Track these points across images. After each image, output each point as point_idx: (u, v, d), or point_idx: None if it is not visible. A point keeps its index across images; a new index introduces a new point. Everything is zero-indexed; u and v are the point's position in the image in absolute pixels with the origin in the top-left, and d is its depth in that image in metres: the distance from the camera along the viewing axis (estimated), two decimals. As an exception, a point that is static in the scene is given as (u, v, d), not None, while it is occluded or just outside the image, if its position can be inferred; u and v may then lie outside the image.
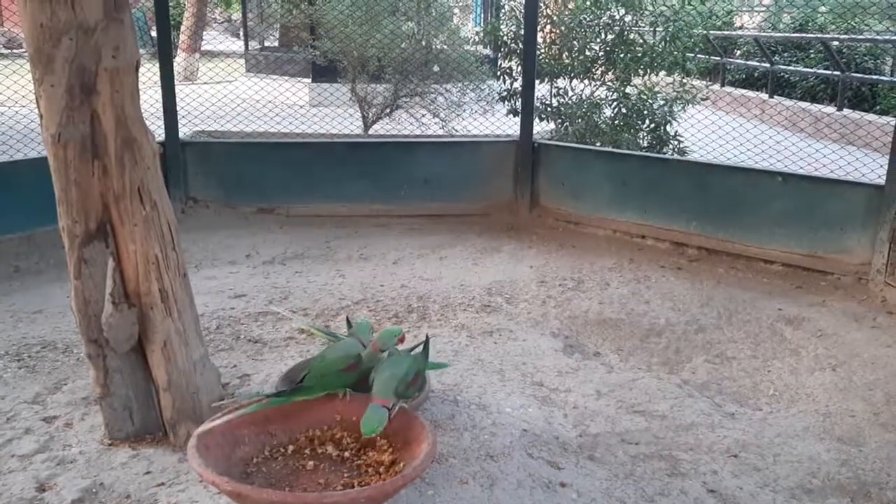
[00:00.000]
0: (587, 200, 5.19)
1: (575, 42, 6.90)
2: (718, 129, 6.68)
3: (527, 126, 5.35)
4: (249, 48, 15.33)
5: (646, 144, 6.94)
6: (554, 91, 7.03)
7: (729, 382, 3.32)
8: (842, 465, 2.64)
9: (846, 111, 10.78)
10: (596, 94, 6.95)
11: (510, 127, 6.99)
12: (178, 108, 5.22)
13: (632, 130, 6.82)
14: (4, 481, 2.49)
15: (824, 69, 11.96)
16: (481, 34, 8.21)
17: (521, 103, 5.41)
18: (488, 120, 7.86)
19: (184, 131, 5.73)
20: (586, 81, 6.99)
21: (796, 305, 4.04)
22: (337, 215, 5.36)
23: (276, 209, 5.37)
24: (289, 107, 8.95)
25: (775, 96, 12.67)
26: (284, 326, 3.74)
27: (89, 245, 2.56)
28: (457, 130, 8.29)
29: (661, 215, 4.90)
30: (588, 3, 6.85)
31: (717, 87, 13.75)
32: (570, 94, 7.01)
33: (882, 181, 4.20)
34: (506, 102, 7.20)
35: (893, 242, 4.03)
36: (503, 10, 8.88)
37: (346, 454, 2.40)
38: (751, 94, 13.36)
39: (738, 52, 15.45)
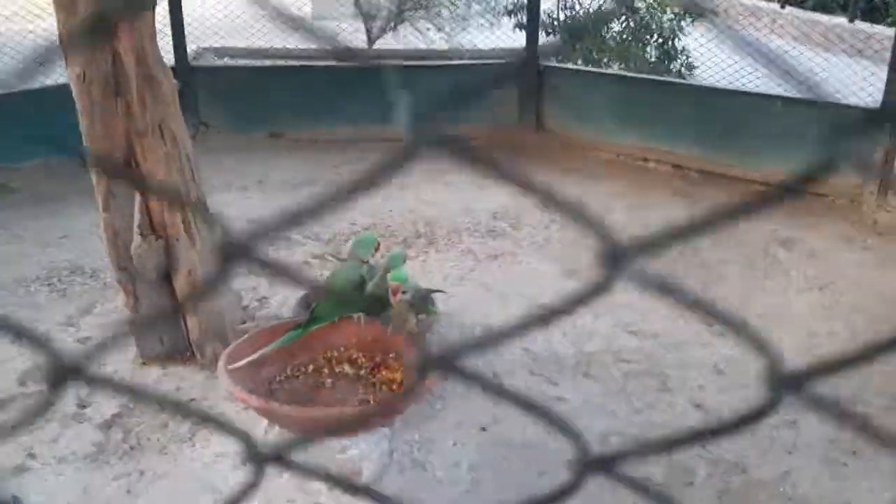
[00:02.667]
0: (592, 124, 5.28)
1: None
2: (727, 42, 6.64)
3: (532, 49, 5.39)
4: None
5: (654, 59, 6.94)
6: (561, 4, 7.00)
7: (720, 302, 3.49)
8: (819, 385, 2.84)
9: (858, 23, 10.62)
10: (604, 6, 6.91)
11: (516, 41, 6.99)
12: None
13: (640, 45, 6.81)
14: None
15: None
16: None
17: (527, 26, 5.44)
18: (494, 34, 7.83)
19: (190, 48, 5.75)
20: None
21: (791, 227, 4.19)
22: (344, 139, 5.46)
23: (284, 133, 5.48)
24: (292, 19, 8.87)
25: (787, 6, 12.47)
26: (298, 251, 3.93)
27: (116, 179, 2.72)
28: (462, 45, 8.25)
29: (663, 138, 5.00)
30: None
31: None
32: (578, 7, 6.96)
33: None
34: (511, 16, 7.16)
35: (886, 164, 4.15)
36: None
37: (362, 373, 2.61)
38: (763, 4, 13.13)
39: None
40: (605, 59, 6.83)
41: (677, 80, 5.39)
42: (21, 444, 2.47)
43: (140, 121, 2.68)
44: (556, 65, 5.63)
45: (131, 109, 2.66)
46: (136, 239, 2.72)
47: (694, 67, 6.98)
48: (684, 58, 6.91)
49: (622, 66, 6.77)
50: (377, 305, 2.71)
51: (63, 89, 2.76)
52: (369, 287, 2.74)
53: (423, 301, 2.76)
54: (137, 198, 2.69)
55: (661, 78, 5.47)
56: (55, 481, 2.33)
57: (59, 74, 3.71)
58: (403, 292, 2.63)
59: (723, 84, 5.34)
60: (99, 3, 2.53)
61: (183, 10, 5.26)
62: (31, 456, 2.43)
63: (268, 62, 6.33)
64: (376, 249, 2.74)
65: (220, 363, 2.38)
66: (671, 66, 6.85)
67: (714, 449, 2.49)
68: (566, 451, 2.20)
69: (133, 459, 2.42)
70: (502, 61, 6.01)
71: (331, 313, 2.65)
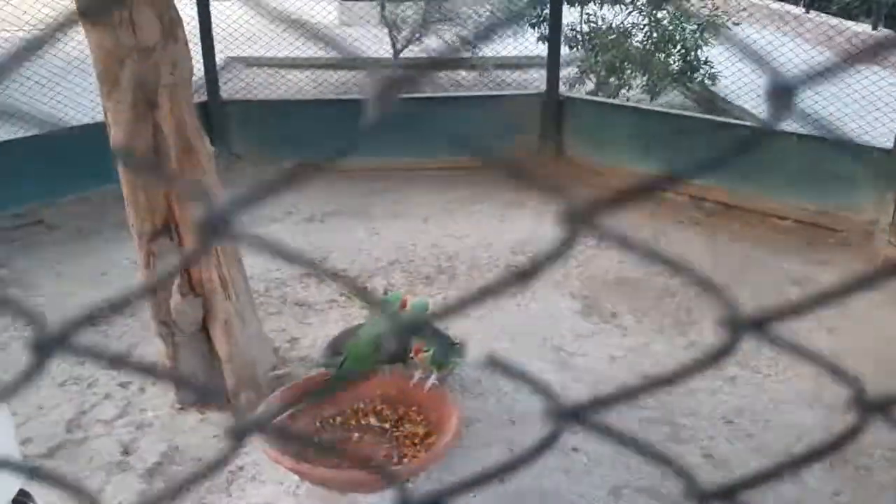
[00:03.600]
0: (611, 153, 5.39)
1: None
2: (752, 46, 6.63)
3: (553, 79, 5.51)
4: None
5: (676, 69, 6.99)
6: (584, 18, 7.08)
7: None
8: (825, 432, 2.97)
9: (882, 29, 10.58)
10: (627, 20, 6.98)
11: (541, 50, 6.98)
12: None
13: (662, 56, 6.88)
14: (94, 445, 2.91)
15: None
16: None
17: (548, 57, 5.56)
18: (520, 42, 7.89)
19: (218, 58, 5.90)
20: (617, 7, 6.99)
21: (803, 264, 4.29)
22: (369, 168, 5.61)
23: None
24: (317, 27, 9.05)
25: (811, 11, 12.42)
26: (326, 289, 4.09)
27: (156, 240, 2.90)
28: (486, 54, 8.31)
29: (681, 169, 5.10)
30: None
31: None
32: (601, 21, 7.03)
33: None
34: (535, 28, 7.22)
35: (898, 203, 4.23)
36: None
37: (386, 426, 2.77)
38: (788, 6, 13.08)
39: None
40: (629, 71, 6.93)
41: (695, 114, 5.48)
42: (65, 495, 2.65)
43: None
44: (577, 96, 5.75)
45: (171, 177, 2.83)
46: (176, 297, 2.90)
47: (716, 78, 7.05)
48: (707, 68, 6.98)
49: (644, 76, 6.87)
50: (399, 357, 2.87)
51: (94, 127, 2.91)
52: (390, 335, 2.90)
53: (443, 355, 2.92)
54: (177, 260, 2.87)
55: (680, 112, 5.57)
56: (104, 532, 2.52)
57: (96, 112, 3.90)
58: (425, 351, 2.79)
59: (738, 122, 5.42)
60: (140, 74, 2.72)
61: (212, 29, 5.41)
62: (81, 505, 2.61)
63: (297, 96, 6.50)
64: (402, 306, 2.89)
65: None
66: (694, 77, 6.93)
67: None
68: (580, 501, 2.38)
69: (174, 509, 2.60)
70: (525, 93, 6.13)
71: (357, 366, 2.81)
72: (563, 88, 5.88)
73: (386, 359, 2.87)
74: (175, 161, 2.82)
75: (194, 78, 2.98)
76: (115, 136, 2.77)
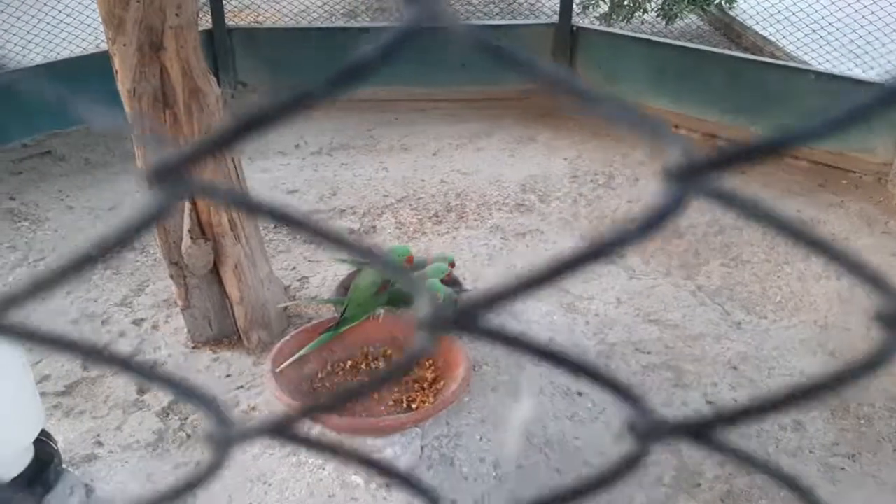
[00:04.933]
0: (624, 86, 5.30)
1: None
2: None
3: (566, 9, 5.38)
4: None
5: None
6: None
7: (740, 288, 3.63)
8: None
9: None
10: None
11: None
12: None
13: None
14: (110, 384, 2.98)
15: None
16: None
17: (561, -15, 5.41)
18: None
19: None
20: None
21: (815, 206, 4.26)
22: (377, 99, 5.54)
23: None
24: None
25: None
26: (335, 226, 4.10)
27: (166, 184, 2.89)
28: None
29: (694, 105, 5.03)
30: None
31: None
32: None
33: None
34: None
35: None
36: None
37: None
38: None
39: None
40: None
41: (711, 49, 5.34)
42: (90, 432, 2.74)
43: (187, 129, 2.83)
44: (591, 27, 5.61)
45: (178, 120, 2.81)
46: (186, 240, 2.91)
47: (734, 0, 6.87)
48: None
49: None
50: (402, 302, 2.90)
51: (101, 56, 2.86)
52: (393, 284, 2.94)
53: (452, 304, 2.94)
54: (187, 204, 2.87)
55: (695, 45, 5.43)
56: (122, 469, 2.60)
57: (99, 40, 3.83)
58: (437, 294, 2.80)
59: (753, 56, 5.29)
60: (146, 16, 2.66)
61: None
62: (99, 444, 2.70)
63: (304, 18, 6.36)
64: (408, 261, 2.91)
65: (267, 367, 2.60)
66: (709, 2, 6.74)
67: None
68: (587, 448, 2.45)
69: (190, 448, 2.68)
70: (538, 22, 5.98)
71: (357, 314, 2.84)
72: (576, 10, 5.74)
73: (386, 301, 2.89)
74: (182, 104, 2.79)
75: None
76: (122, 79, 2.73)
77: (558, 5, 5.51)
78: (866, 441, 2.73)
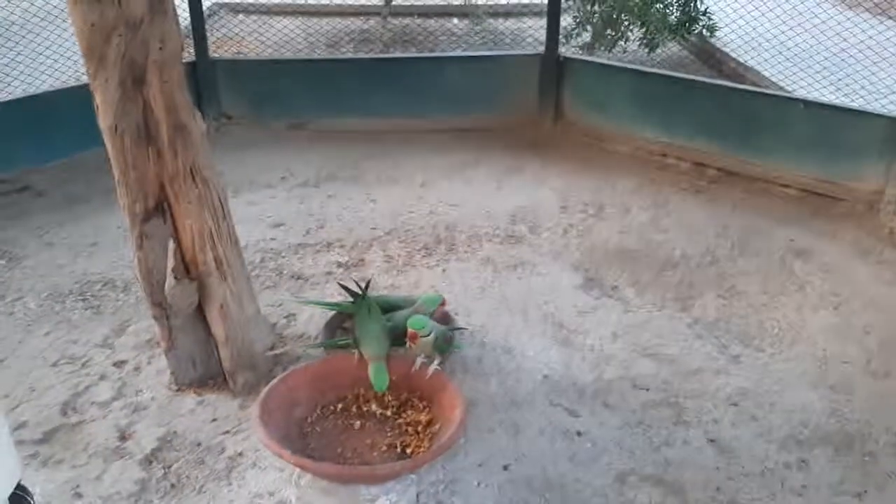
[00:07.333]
0: (611, 116, 5.28)
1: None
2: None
3: (552, 40, 5.36)
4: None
5: (675, 20, 6.80)
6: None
7: (737, 320, 3.57)
8: (830, 416, 2.94)
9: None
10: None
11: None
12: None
13: (660, 7, 6.70)
14: (90, 430, 2.86)
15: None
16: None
17: (548, 17, 5.39)
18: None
19: (205, 4, 5.70)
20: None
21: (807, 235, 4.22)
22: (364, 130, 5.49)
23: (306, 124, 5.51)
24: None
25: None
26: (322, 260, 4.01)
27: (149, 222, 2.80)
28: (479, 1, 8.09)
29: (683, 134, 5.00)
30: None
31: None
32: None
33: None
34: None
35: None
36: None
37: (388, 413, 2.72)
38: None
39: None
40: (626, 22, 6.76)
41: (698, 78, 5.35)
42: (69, 482, 2.61)
43: (171, 165, 2.75)
44: (576, 56, 5.60)
45: (162, 157, 2.72)
46: (170, 280, 2.81)
47: (716, 29, 6.90)
48: (706, 20, 6.82)
49: (642, 28, 6.70)
50: (398, 342, 2.82)
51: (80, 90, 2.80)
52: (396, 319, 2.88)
53: (446, 342, 2.87)
54: (171, 243, 2.77)
55: (682, 75, 5.43)
56: (102, 522, 2.48)
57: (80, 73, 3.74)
58: (425, 336, 2.73)
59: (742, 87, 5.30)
60: (128, 51, 2.59)
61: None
62: (78, 495, 2.57)
63: (287, 48, 6.31)
64: (442, 305, 2.88)
65: (255, 412, 2.50)
66: (692, 29, 6.76)
67: (728, 489, 2.61)
68: (585, 490, 2.35)
69: (174, 499, 2.56)
70: (524, 53, 5.97)
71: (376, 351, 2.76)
72: (561, 40, 5.71)
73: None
74: (166, 139, 2.70)
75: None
76: (104, 115, 2.65)
77: (543, 35, 5.50)
78: (872, 478, 2.66)
